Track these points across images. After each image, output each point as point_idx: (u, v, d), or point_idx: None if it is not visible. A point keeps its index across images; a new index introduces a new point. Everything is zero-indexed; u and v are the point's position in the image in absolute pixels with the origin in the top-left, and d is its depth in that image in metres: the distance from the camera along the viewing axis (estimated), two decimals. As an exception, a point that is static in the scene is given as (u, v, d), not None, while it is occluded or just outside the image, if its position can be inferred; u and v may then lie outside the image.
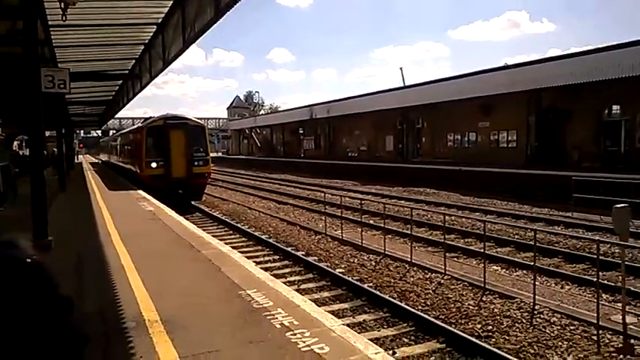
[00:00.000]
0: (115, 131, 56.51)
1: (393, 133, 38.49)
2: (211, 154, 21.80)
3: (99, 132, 76.34)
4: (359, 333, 5.16)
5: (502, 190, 20.37)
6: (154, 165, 19.13)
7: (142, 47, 15.15)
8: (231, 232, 14.53)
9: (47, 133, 24.79)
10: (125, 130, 33.25)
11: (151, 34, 13.65)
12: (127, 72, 18.54)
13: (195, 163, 19.53)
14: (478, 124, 29.71)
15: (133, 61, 17.08)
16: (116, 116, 47.47)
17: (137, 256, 7.60)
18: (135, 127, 27.63)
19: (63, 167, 20.33)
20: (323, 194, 16.14)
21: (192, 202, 19.78)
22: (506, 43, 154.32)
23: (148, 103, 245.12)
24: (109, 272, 6.61)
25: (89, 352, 1.44)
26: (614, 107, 23.12)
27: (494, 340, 6.24)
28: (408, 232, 11.47)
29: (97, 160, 62.10)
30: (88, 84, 19.21)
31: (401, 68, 67.37)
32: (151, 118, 22.42)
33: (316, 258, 10.77)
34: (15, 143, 43.53)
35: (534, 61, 24.74)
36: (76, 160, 46.39)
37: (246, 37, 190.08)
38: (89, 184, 22.51)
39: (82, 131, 72.37)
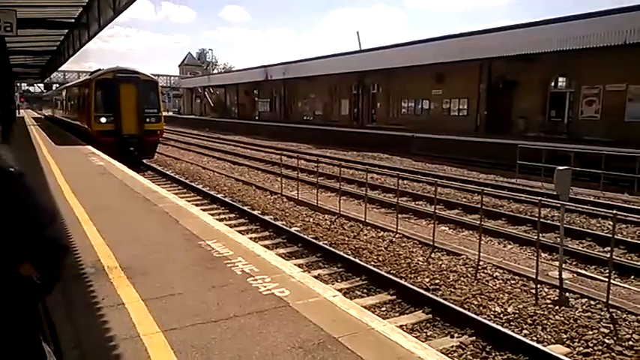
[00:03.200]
0: (58, 85, 53.67)
1: (349, 98, 38.56)
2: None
3: (41, 86, 72.46)
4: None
5: (452, 156, 21.05)
6: (103, 120, 18.35)
7: (91, -7, 14.43)
8: (185, 190, 14.38)
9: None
10: (72, 83, 31.52)
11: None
12: (73, 20, 17.61)
13: (147, 120, 18.89)
14: (431, 91, 30.20)
15: (81, 8, 16.21)
16: (60, 69, 45.11)
17: (91, 208, 7.46)
18: (82, 79, 26.26)
19: (5, 119, 19.28)
20: (279, 156, 16.15)
21: (144, 161, 19.28)
22: (460, 13, 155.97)
23: (93, 57, 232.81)
24: (62, 223, 6.46)
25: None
26: (560, 79, 24.03)
27: (440, 292, 6.60)
28: (362, 194, 11.72)
29: (39, 116, 59.08)
30: (31, 32, 18.10)
31: (357, 32, 67.19)
32: (99, 70, 21.31)
33: (272, 217, 10.88)
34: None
35: (486, 30, 24.95)
36: (17, 115, 43.99)
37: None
38: (34, 139, 21.52)
39: (23, 84, 68.34)
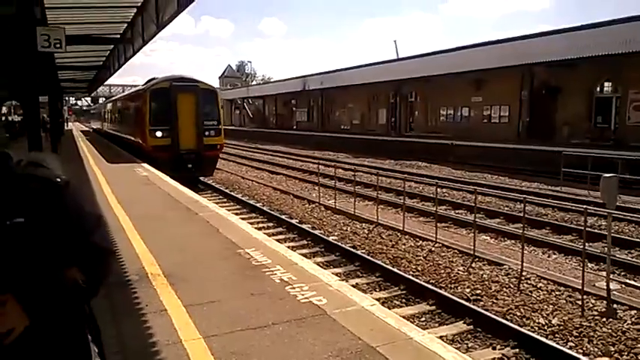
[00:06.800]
0: (105, 98, 55.60)
1: (386, 107, 38.39)
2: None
3: (88, 99, 75.47)
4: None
5: (493, 164, 20.61)
6: (159, 134, 16.73)
7: (135, 10, 14.93)
8: (225, 199, 14.64)
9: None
10: (123, 94, 30.99)
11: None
12: (118, 36, 18.24)
13: (207, 134, 17.19)
14: (471, 98, 29.71)
15: (125, 24, 16.80)
16: (106, 83, 46.82)
17: (136, 217, 7.71)
18: (135, 90, 25.35)
19: (54, 132, 20.09)
20: (316, 165, 16.20)
21: (201, 178, 17.86)
22: (497, 19, 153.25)
23: (137, 71, 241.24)
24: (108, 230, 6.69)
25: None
26: (606, 84, 23.23)
27: (482, 303, 6.47)
28: (400, 202, 11.63)
29: (87, 129, 61.42)
30: (78, 48, 18.88)
31: (395, 41, 67.12)
32: (154, 79, 20.28)
33: (310, 225, 10.94)
34: (3, 109, 42.94)
35: (527, 35, 24.36)
36: (65, 127, 45.83)
37: (236, 4, 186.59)
38: (81, 150, 22.40)
39: (71, 98, 71.37)
